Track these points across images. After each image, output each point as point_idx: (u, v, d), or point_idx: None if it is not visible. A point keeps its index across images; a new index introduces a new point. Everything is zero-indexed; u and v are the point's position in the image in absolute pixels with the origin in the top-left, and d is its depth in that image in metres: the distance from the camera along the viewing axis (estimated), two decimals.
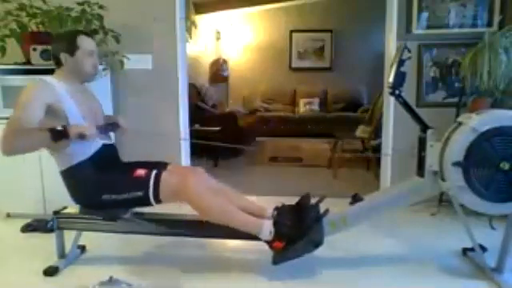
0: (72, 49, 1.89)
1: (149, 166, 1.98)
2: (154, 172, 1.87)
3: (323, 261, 2.09)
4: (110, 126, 2.07)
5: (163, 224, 2.02)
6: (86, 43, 1.92)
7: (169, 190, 1.85)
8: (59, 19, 2.70)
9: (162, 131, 3.09)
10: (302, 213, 1.98)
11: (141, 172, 1.88)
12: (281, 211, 2.02)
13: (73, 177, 1.91)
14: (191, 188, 1.85)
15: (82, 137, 1.76)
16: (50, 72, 2.66)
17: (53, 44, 1.97)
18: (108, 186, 1.88)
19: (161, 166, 2.02)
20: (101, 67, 2.80)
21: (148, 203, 1.86)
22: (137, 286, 1.82)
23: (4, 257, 2.26)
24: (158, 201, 1.86)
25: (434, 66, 2.93)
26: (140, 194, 1.84)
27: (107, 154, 2.01)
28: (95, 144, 1.93)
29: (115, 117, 2.18)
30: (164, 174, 1.88)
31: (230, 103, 7.15)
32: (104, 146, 1.98)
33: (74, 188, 1.93)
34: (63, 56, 1.90)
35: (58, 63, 1.94)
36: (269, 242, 1.91)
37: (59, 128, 1.73)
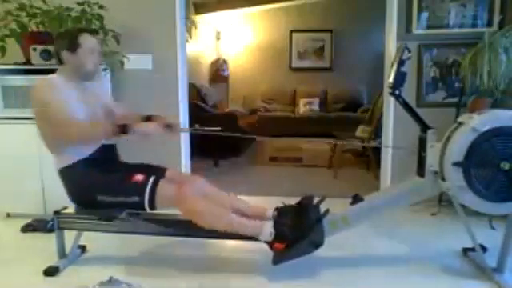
0: (74, 47, 1.90)
1: (147, 170, 1.98)
2: (152, 179, 1.89)
3: (323, 261, 2.09)
4: (167, 126, 2.03)
5: (163, 224, 2.02)
6: (87, 41, 1.93)
7: (165, 199, 1.88)
8: (59, 19, 2.70)
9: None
10: (303, 213, 1.98)
11: (139, 177, 1.89)
12: (281, 212, 2.02)
13: (69, 176, 1.93)
14: (187, 200, 1.87)
15: (146, 136, 1.88)
16: (50, 72, 2.66)
17: (55, 42, 1.98)
18: (104, 188, 1.90)
19: (159, 173, 2.02)
20: (101, 67, 2.81)
21: (142, 209, 1.89)
22: (137, 286, 1.82)
23: (4, 257, 2.25)
24: (152, 208, 1.88)
25: (433, 65, 2.93)
26: (136, 199, 1.87)
27: (106, 155, 2.02)
28: (95, 144, 1.95)
29: (170, 117, 2.15)
30: (161, 183, 1.89)
31: (231, 102, 7.15)
32: (103, 146, 1.99)
33: (70, 187, 1.94)
34: (65, 54, 1.91)
35: (61, 61, 1.95)
36: (269, 243, 1.91)
37: (123, 124, 1.84)
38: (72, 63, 1.92)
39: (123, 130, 1.83)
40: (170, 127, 2.03)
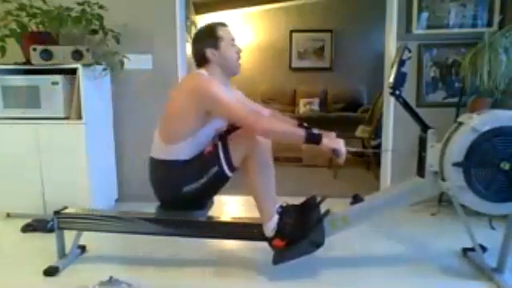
0: (216, 42, 1.89)
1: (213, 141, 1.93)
2: (220, 143, 1.86)
3: (323, 261, 2.09)
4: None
5: (163, 224, 2.01)
6: (226, 32, 1.92)
7: (239, 151, 1.83)
8: (59, 19, 2.71)
9: None
10: (306, 214, 1.98)
11: (208, 149, 1.87)
12: (285, 210, 2.02)
13: (169, 169, 1.88)
14: (258, 137, 1.81)
15: (334, 152, 1.80)
16: (50, 72, 2.67)
17: (197, 44, 1.94)
18: (188, 177, 1.86)
19: (224, 134, 1.95)
20: (101, 67, 2.81)
21: (225, 176, 1.85)
22: (137, 286, 1.82)
23: (4, 257, 2.25)
24: (232, 169, 1.85)
25: (433, 65, 2.93)
26: (215, 169, 1.83)
27: None
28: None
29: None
30: (229, 140, 1.86)
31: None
32: None
33: (164, 180, 1.90)
34: (209, 52, 1.89)
35: (205, 61, 1.92)
36: (269, 239, 1.91)
37: (317, 132, 1.80)
38: (218, 60, 1.90)
39: (314, 140, 1.76)
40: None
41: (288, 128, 1.88)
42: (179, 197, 1.88)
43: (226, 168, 1.84)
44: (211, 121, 1.87)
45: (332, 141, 1.82)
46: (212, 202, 2.10)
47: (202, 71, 1.91)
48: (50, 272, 1.99)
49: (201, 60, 1.93)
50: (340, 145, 1.82)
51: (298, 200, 2.09)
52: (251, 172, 1.87)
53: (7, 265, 2.14)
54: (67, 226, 2.07)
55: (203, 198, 1.99)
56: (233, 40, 1.95)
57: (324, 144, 1.77)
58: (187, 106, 1.81)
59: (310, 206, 2.03)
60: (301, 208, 2.04)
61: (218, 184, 1.91)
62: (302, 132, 1.79)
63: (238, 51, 1.97)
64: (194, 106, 1.80)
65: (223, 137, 1.90)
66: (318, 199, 2.04)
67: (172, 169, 1.87)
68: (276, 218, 1.92)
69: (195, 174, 1.86)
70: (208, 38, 1.90)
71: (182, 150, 1.85)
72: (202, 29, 1.98)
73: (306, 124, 2.05)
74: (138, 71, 3.06)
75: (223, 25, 1.96)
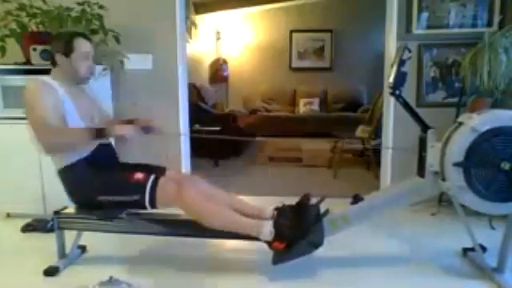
0: (68, 50, 1.90)
1: (147, 169, 1.99)
2: (152, 177, 1.89)
3: (323, 261, 2.09)
4: (145, 128, 2.07)
5: (163, 224, 2.02)
6: (82, 46, 1.93)
7: (165, 197, 1.87)
8: (59, 19, 2.70)
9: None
10: (302, 213, 1.98)
11: (139, 176, 1.90)
12: (281, 211, 2.02)
13: (69, 176, 1.93)
14: (187, 197, 1.86)
15: (121, 138, 1.86)
16: (50, 72, 2.66)
17: (51, 44, 1.98)
18: (104, 188, 1.90)
19: (159, 172, 2.03)
20: (101, 67, 2.81)
21: (143, 207, 1.89)
22: (137, 286, 1.82)
23: (4, 257, 2.25)
24: (153, 206, 1.88)
25: (433, 65, 2.93)
26: (136, 197, 1.87)
27: (104, 154, 2.02)
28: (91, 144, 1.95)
29: (147, 120, 2.14)
30: (161, 181, 1.89)
31: (231, 102, 7.15)
32: (101, 145, 1.99)
33: (69, 187, 1.95)
34: (59, 57, 1.92)
35: (54, 63, 1.95)
36: (269, 243, 1.91)
37: (100, 128, 1.84)
38: (65, 67, 1.93)
39: (101, 133, 1.82)
40: (148, 130, 2.06)
41: (72, 131, 1.87)
42: (92, 202, 1.91)
43: (147, 203, 1.87)
44: (60, 117, 1.86)
45: (117, 128, 1.88)
46: None
47: (45, 77, 1.93)
48: (50, 272, 1.99)
49: (51, 60, 1.97)
50: (124, 129, 1.88)
51: (296, 200, 2.09)
52: (195, 219, 1.90)
53: (7, 265, 2.14)
54: (67, 226, 2.07)
55: (115, 209, 1.99)
56: (87, 55, 1.95)
57: (109, 134, 1.84)
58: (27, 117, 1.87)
59: (306, 204, 2.03)
60: (296, 208, 2.04)
61: (133, 207, 1.94)
62: (86, 131, 1.85)
63: (89, 67, 1.99)
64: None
65: (158, 175, 1.94)
66: (316, 198, 2.04)
67: (76, 172, 1.92)
68: (269, 223, 1.92)
69: (115, 189, 1.89)
70: (62, 44, 1.92)
71: (67, 156, 1.91)
72: (62, 33, 2.04)
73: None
74: (138, 71, 3.06)
75: (85, 37, 1.97)
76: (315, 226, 1.92)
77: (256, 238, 1.92)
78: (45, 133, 1.79)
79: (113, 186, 1.90)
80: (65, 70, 1.94)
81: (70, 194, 1.95)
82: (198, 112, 4.73)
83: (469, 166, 1.79)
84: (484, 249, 2.03)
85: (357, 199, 2.04)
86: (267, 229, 1.89)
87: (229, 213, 1.93)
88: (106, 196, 1.89)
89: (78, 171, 1.91)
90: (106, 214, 1.97)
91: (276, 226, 1.91)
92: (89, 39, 2.00)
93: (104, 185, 1.91)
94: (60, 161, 1.92)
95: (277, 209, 2.05)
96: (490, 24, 2.83)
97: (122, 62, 2.88)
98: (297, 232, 1.90)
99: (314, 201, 2.06)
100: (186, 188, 1.89)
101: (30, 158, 2.70)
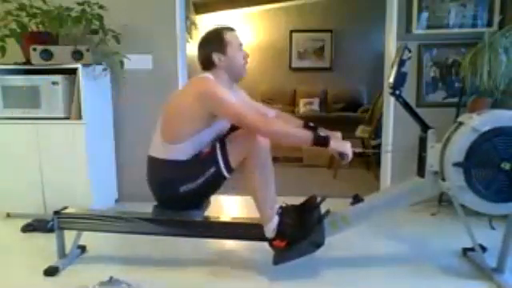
0: (223, 47, 1.89)
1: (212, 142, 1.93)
2: (218, 144, 1.86)
3: (323, 261, 2.09)
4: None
5: (163, 224, 2.01)
6: (234, 37, 1.94)
7: (237, 153, 1.83)
8: (59, 19, 2.70)
9: None
10: (306, 214, 1.98)
11: (207, 149, 1.87)
12: (285, 211, 2.02)
13: (167, 169, 1.88)
14: (259, 143, 1.80)
15: (341, 155, 1.79)
16: (50, 72, 2.68)
17: (201, 49, 1.94)
18: (185, 177, 1.85)
19: (222, 137, 1.95)
20: (101, 67, 2.81)
21: (222, 177, 1.85)
22: (137, 286, 1.82)
23: (4, 257, 2.25)
24: (230, 170, 1.85)
25: (433, 65, 2.93)
26: (213, 169, 1.83)
27: None
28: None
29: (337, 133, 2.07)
30: (228, 141, 1.86)
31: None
32: None
33: (161, 180, 1.90)
34: (216, 56, 1.89)
35: (211, 65, 1.91)
36: (269, 240, 1.91)
37: (323, 135, 1.78)
38: (225, 64, 1.90)
39: (320, 142, 1.76)
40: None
41: (296, 131, 1.88)
42: (176, 196, 1.88)
43: (223, 169, 1.84)
44: (215, 123, 1.87)
45: (340, 144, 1.82)
46: (209, 202, 2.10)
47: (208, 75, 1.90)
48: (50, 272, 1.98)
49: (207, 64, 1.93)
50: (347, 148, 1.81)
51: (298, 200, 2.09)
52: (250, 173, 1.87)
53: (7, 265, 2.14)
54: (67, 226, 2.07)
55: (200, 198, 1.99)
56: (240, 45, 1.95)
57: (332, 147, 1.77)
58: (194, 109, 1.80)
59: (310, 206, 2.03)
60: (300, 208, 2.04)
61: (214, 184, 1.91)
62: (309, 135, 1.78)
63: (245, 56, 1.97)
64: (200, 108, 1.79)
65: (221, 138, 1.91)
66: (319, 199, 2.04)
67: (170, 168, 1.87)
68: (276, 219, 1.92)
69: (193, 174, 1.86)
70: (215, 43, 1.90)
71: (183, 150, 1.85)
72: (210, 33, 1.98)
73: (311, 123, 2.05)
74: (138, 71, 3.06)
75: (231, 29, 1.96)
76: (316, 227, 1.92)
77: (256, 238, 1.92)
78: (267, 124, 1.78)
79: (190, 172, 1.85)
80: (224, 67, 1.90)
81: (159, 186, 1.91)
82: None
83: (469, 167, 1.79)
84: (484, 249, 2.03)
85: (356, 199, 2.04)
86: (274, 224, 1.90)
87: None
88: (187, 184, 1.84)
89: (177, 168, 1.86)
90: (191, 205, 1.95)
91: (279, 224, 1.91)
92: (234, 30, 1.99)
93: (184, 175, 1.86)
94: (173, 152, 1.85)
95: (281, 207, 2.05)
96: (490, 24, 2.83)
97: (121, 62, 2.88)
98: (299, 232, 1.90)
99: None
100: (255, 135, 1.80)
101: (30, 158, 2.70)
